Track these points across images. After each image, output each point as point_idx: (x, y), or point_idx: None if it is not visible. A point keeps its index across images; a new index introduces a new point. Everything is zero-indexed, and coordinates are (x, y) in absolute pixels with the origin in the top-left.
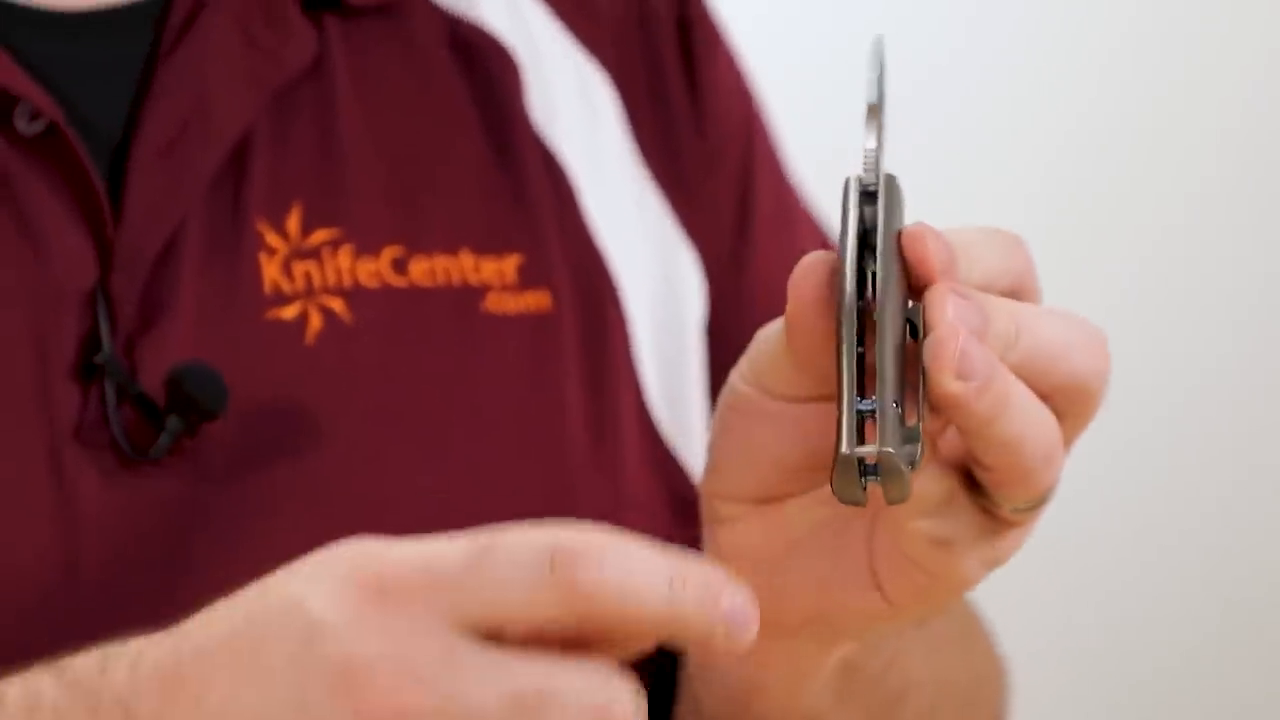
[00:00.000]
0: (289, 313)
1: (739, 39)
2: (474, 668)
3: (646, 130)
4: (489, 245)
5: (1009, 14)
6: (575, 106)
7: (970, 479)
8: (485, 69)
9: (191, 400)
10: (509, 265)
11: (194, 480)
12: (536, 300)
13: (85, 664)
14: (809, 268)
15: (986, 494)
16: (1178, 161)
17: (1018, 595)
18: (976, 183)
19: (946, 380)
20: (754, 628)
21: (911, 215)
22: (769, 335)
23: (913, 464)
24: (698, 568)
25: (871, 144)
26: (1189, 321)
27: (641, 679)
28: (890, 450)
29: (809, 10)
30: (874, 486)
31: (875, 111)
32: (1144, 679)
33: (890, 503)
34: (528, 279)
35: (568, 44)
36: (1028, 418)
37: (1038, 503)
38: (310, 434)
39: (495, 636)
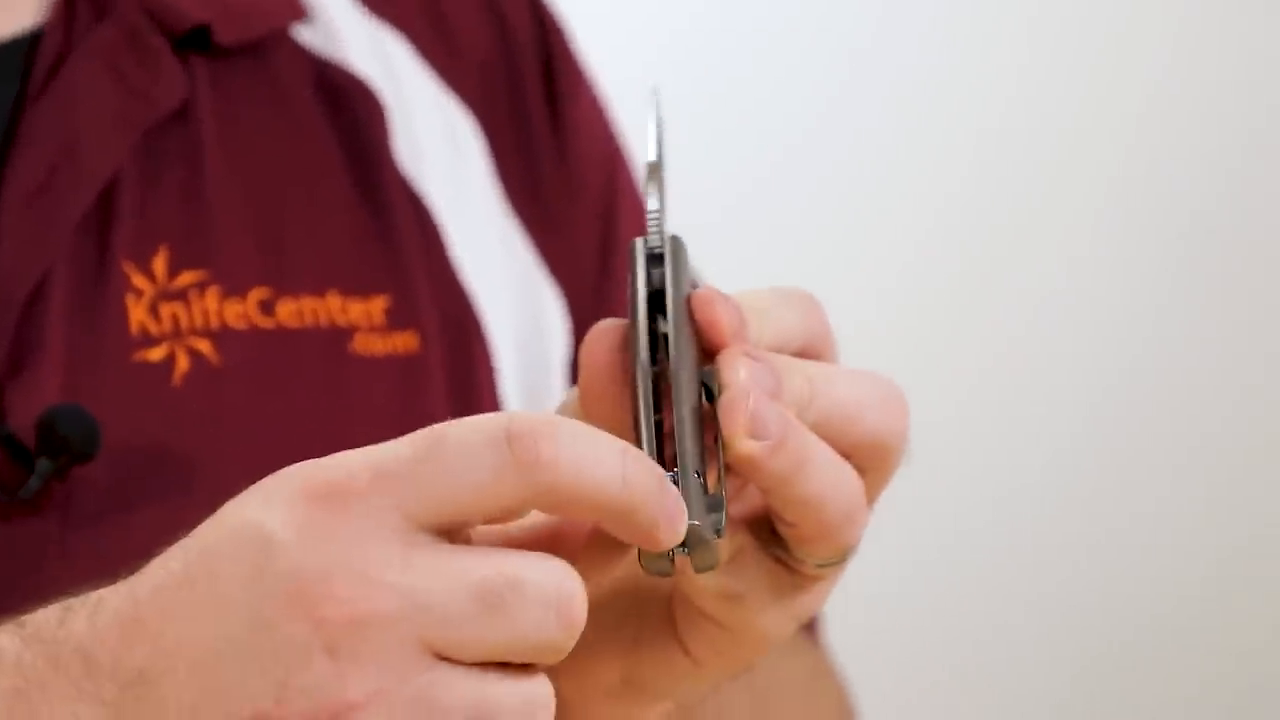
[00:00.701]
0: (156, 354)
1: (602, 74)
2: (433, 561)
3: (511, 169)
4: (356, 287)
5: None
6: (440, 147)
7: (772, 533)
8: (351, 111)
9: (63, 442)
10: (376, 307)
11: (63, 523)
12: (404, 341)
13: (45, 617)
14: (600, 334)
15: (788, 549)
16: (1075, 181)
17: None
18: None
19: (740, 441)
20: (683, 531)
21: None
22: (568, 402)
23: (718, 532)
24: (641, 454)
25: (654, 205)
26: (1087, 332)
27: None
28: (696, 523)
29: (674, 50)
30: (680, 556)
31: (655, 170)
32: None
33: (698, 571)
34: (395, 320)
35: (432, 84)
36: (827, 476)
37: (841, 558)
38: (179, 476)
39: (452, 536)
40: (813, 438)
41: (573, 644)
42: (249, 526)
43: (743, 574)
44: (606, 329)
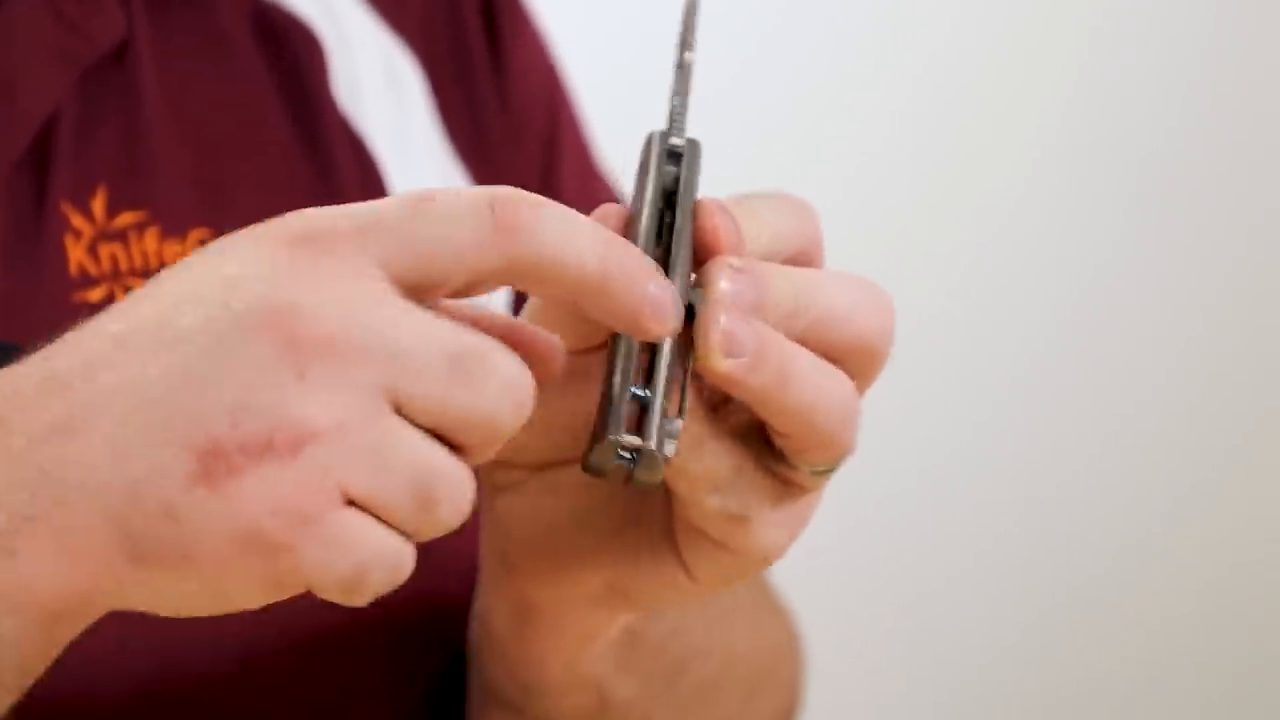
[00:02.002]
0: (96, 295)
1: (550, 20)
2: (408, 316)
3: (452, 110)
4: None
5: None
6: (381, 87)
7: (767, 445)
8: (290, 50)
9: None
10: None
11: None
12: None
13: None
14: (604, 217)
15: (783, 459)
16: (1002, 158)
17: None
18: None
19: (715, 359)
20: (676, 322)
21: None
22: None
23: (666, 458)
24: (629, 245)
25: (679, 101)
26: (1014, 319)
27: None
28: (653, 449)
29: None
30: (622, 465)
31: (685, 71)
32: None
33: (636, 485)
34: None
35: (373, 24)
36: (815, 384)
37: (835, 464)
38: None
39: (422, 300)
40: (793, 347)
41: (512, 434)
42: (211, 270)
43: (746, 491)
44: (610, 213)
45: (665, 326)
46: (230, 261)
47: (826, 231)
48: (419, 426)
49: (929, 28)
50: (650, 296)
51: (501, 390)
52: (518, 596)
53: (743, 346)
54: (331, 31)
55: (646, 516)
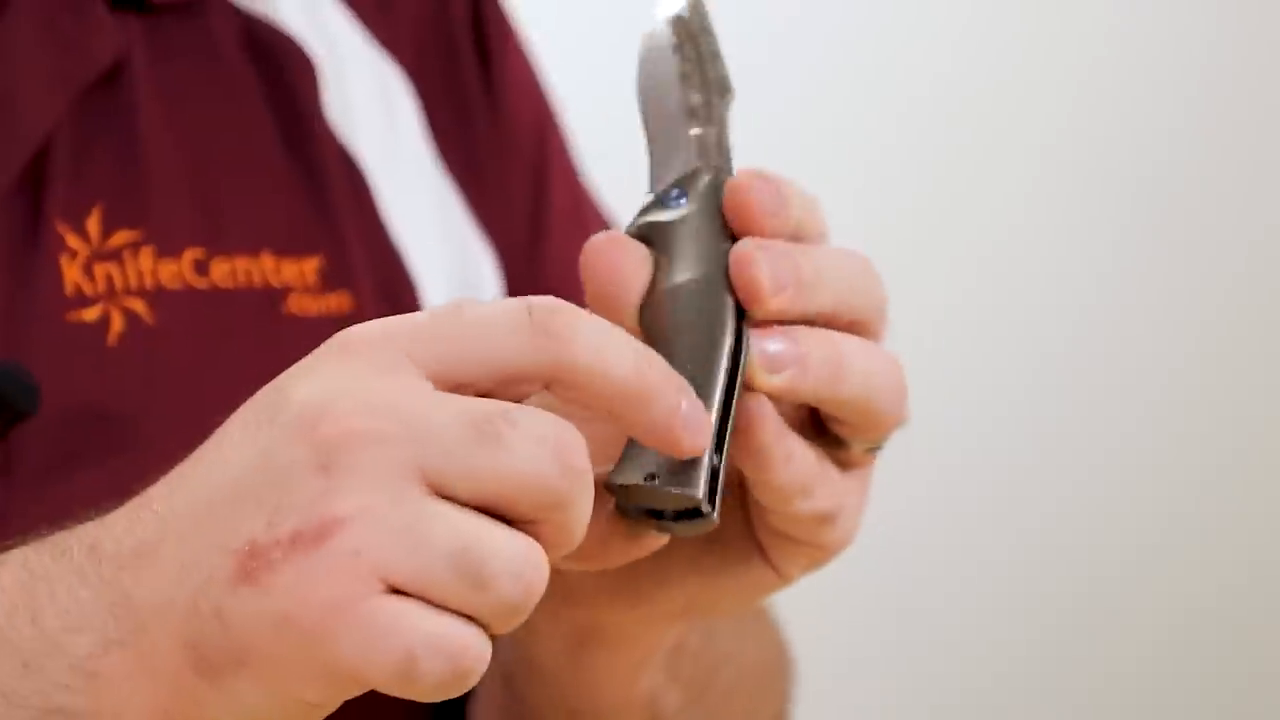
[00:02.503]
0: (91, 314)
1: (537, 42)
2: (434, 397)
3: (444, 128)
4: (289, 247)
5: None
6: (372, 105)
7: (817, 429)
8: (281, 68)
9: (2, 401)
10: (310, 267)
11: (6, 482)
12: (338, 302)
13: (68, 528)
14: (623, 245)
15: (837, 441)
16: (1007, 162)
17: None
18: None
19: (762, 379)
20: (707, 439)
21: None
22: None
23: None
24: (661, 360)
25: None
26: (1021, 322)
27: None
28: (714, 516)
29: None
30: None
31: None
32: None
33: (679, 535)
34: (329, 281)
35: (365, 42)
36: (865, 368)
37: (888, 438)
38: (117, 436)
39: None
40: (832, 338)
41: (574, 495)
42: (267, 391)
43: (830, 491)
44: (626, 242)
45: (699, 443)
46: (284, 378)
47: (832, 233)
48: (464, 504)
49: (935, 33)
50: (684, 412)
51: (536, 446)
52: (578, 623)
53: (785, 360)
54: (323, 49)
55: (727, 532)
